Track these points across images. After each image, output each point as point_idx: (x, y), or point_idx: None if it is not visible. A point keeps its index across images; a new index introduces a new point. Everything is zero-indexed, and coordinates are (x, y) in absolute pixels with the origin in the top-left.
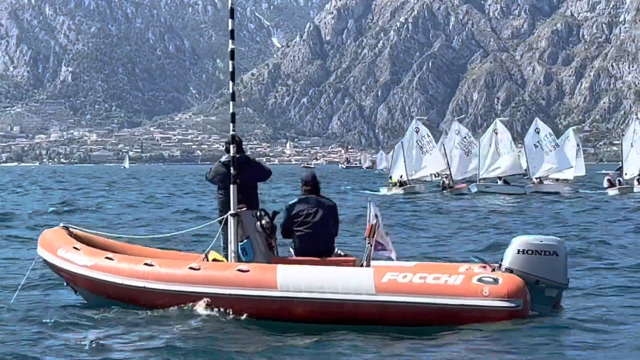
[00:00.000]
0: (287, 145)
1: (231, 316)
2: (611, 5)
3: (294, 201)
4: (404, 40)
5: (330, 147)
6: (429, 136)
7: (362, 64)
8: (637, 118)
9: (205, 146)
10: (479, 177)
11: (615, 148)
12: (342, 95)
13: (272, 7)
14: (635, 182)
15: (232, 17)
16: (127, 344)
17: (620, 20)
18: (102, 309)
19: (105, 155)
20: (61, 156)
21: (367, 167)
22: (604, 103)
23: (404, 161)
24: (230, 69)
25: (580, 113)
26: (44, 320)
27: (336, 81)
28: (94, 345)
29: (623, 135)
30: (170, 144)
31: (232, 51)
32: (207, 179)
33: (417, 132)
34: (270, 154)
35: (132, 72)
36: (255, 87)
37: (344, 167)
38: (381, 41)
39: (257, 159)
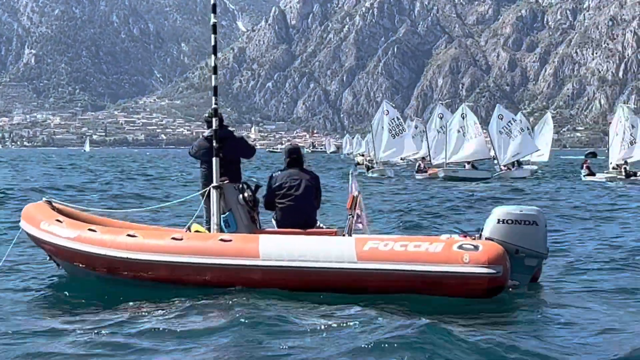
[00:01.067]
0: (252, 129)
1: (215, 286)
2: None
3: (277, 173)
4: (369, 25)
5: (295, 131)
6: (398, 119)
7: (327, 48)
8: (622, 105)
9: (170, 130)
10: (446, 162)
11: (578, 134)
12: (307, 79)
13: None
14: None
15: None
16: (109, 316)
17: (585, 6)
18: (84, 282)
19: (69, 139)
20: (24, 139)
21: (331, 152)
22: (568, 89)
23: (373, 144)
24: (213, 43)
25: (544, 99)
26: (26, 295)
27: (301, 66)
28: (74, 318)
29: (609, 123)
30: (134, 128)
31: (214, 25)
32: (191, 155)
33: (386, 114)
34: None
35: (96, 55)
36: (220, 71)
37: (310, 151)
38: (346, 26)
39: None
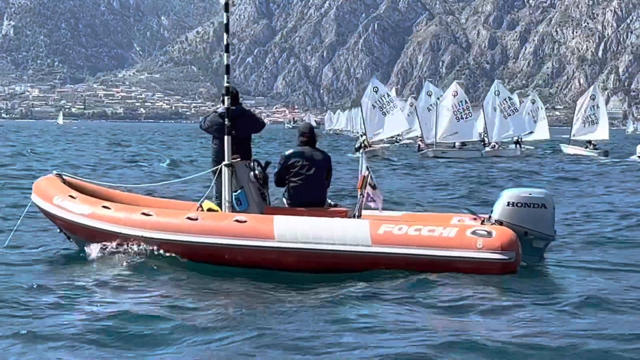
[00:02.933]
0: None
1: (228, 266)
2: None
3: (290, 152)
4: (350, 1)
5: (274, 107)
6: (388, 95)
7: (307, 24)
8: (597, 84)
9: (149, 104)
10: (435, 142)
11: (557, 113)
12: (287, 55)
13: None
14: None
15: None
16: (120, 290)
17: None
18: (95, 256)
19: (48, 111)
20: (2, 111)
21: None
22: (548, 68)
23: (364, 123)
24: (225, 21)
25: (523, 77)
26: (37, 266)
27: (282, 41)
28: (86, 288)
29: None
30: (113, 101)
31: (227, 3)
32: (202, 128)
33: (375, 91)
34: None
35: (76, 28)
36: (200, 46)
37: (290, 127)
38: (327, 1)
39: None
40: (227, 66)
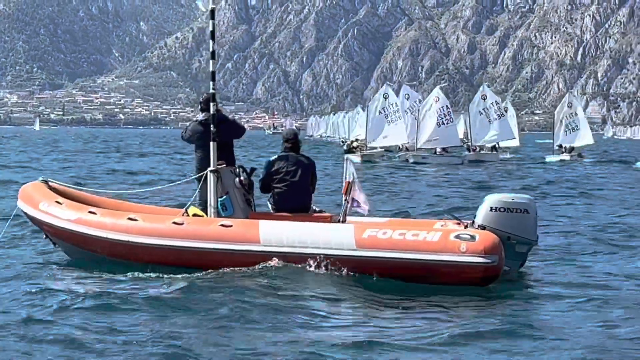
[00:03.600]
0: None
1: (214, 271)
2: None
3: (274, 157)
4: (329, 6)
5: (254, 112)
6: (396, 105)
7: (287, 29)
8: (571, 92)
9: (128, 110)
10: (416, 147)
11: (536, 117)
12: (266, 60)
13: None
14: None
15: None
16: (107, 298)
17: None
18: (80, 262)
19: (26, 117)
20: None
21: None
22: (527, 73)
23: (366, 127)
24: (211, 28)
25: (503, 82)
26: (22, 272)
27: (261, 46)
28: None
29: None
30: (92, 107)
31: (213, 10)
32: (184, 139)
33: (385, 98)
34: (194, 119)
35: (54, 34)
36: (180, 51)
37: (271, 132)
38: (307, 7)
39: (180, 123)
40: (213, 73)
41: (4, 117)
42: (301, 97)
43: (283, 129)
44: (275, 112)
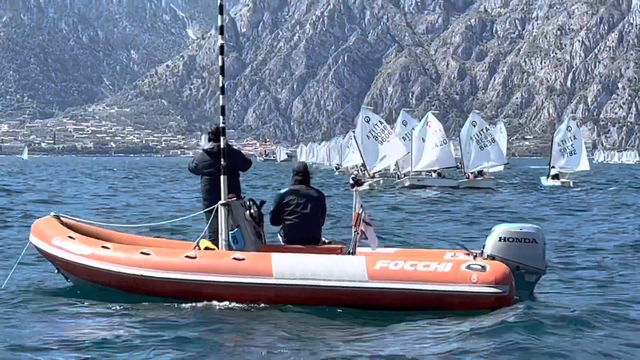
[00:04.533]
0: (202, 137)
1: (227, 304)
2: (524, 2)
3: (284, 190)
4: (319, 33)
5: (245, 140)
6: (381, 123)
7: (277, 57)
8: (571, 116)
9: (119, 138)
10: (411, 170)
11: (527, 143)
12: (257, 88)
13: None
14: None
15: (221, 13)
16: (120, 331)
17: (533, 16)
18: (94, 296)
19: (17, 147)
20: None
21: (282, 160)
22: (517, 98)
23: (361, 156)
24: (220, 64)
25: (493, 108)
26: (35, 306)
27: (252, 74)
28: (85, 331)
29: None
30: (83, 136)
31: (222, 46)
32: (191, 169)
33: (367, 121)
34: (185, 147)
35: (45, 63)
36: (170, 79)
37: (263, 159)
38: (297, 34)
39: (171, 151)
40: (223, 107)
41: None
42: (292, 124)
43: (274, 155)
44: (267, 139)
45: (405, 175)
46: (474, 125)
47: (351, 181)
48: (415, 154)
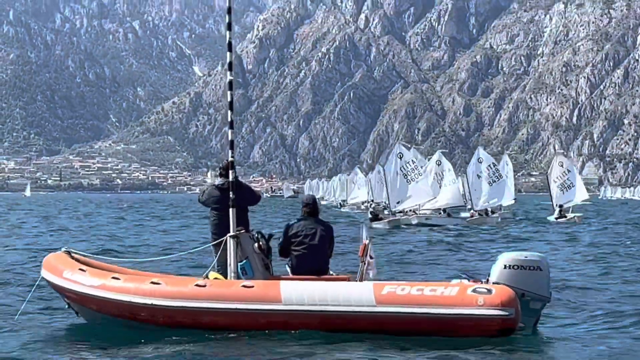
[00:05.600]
0: (208, 174)
1: (238, 331)
2: (529, 38)
3: (293, 222)
4: (325, 70)
5: (251, 176)
6: (414, 162)
7: (283, 93)
8: (558, 153)
9: (125, 174)
10: (420, 209)
11: (533, 179)
12: (263, 124)
13: (193, 35)
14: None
15: (230, 49)
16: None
17: (539, 53)
18: (103, 329)
19: (23, 184)
20: None
21: (289, 197)
22: (523, 134)
23: (387, 191)
24: (229, 99)
25: (499, 144)
26: (45, 341)
27: (258, 110)
28: None
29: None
30: (89, 172)
31: (231, 82)
32: (200, 202)
33: (400, 157)
34: (191, 183)
35: (52, 100)
36: (177, 116)
37: (269, 195)
38: (303, 71)
39: (177, 187)
40: (232, 142)
41: (1, 183)
42: (298, 160)
43: (281, 192)
44: (273, 175)
45: (414, 212)
46: (480, 162)
47: (369, 215)
48: (422, 191)
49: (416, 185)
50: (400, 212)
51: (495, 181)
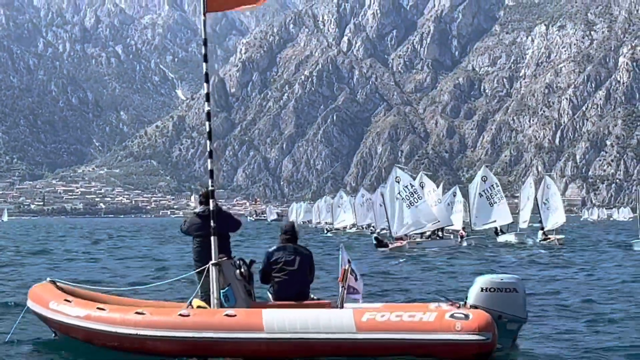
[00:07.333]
0: (192, 197)
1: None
2: (512, 60)
3: (273, 248)
4: (308, 93)
5: (235, 199)
6: (412, 186)
7: (267, 116)
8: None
9: (109, 199)
10: (409, 234)
11: (516, 201)
12: (247, 147)
13: (176, 59)
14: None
15: (206, 81)
16: None
17: (521, 74)
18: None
19: (6, 209)
20: None
21: (272, 220)
22: (505, 156)
23: (387, 216)
24: (208, 129)
25: (482, 166)
26: None
27: (241, 133)
28: None
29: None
30: (72, 197)
31: (209, 113)
32: (182, 231)
33: (398, 182)
34: (175, 207)
35: (34, 124)
36: (160, 140)
37: (253, 219)
38: (286, 94)
39: (161, 211)
40: (211, 171)
41: None
42: (282, 183)
43: (265, 215)
44: (257, 199)
45: (405, 237)
46: (484, 181)
47: (374, 241)
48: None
49: (415, 210)
50: (399, 238)
51: (496, 202)
